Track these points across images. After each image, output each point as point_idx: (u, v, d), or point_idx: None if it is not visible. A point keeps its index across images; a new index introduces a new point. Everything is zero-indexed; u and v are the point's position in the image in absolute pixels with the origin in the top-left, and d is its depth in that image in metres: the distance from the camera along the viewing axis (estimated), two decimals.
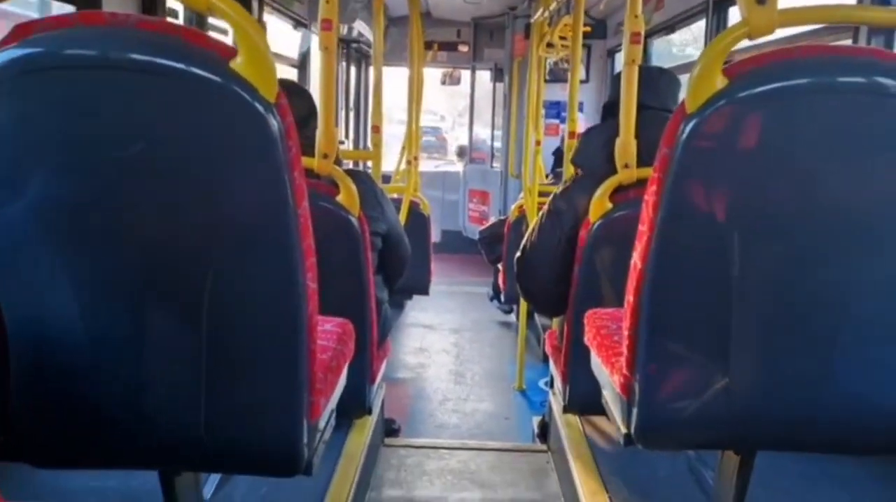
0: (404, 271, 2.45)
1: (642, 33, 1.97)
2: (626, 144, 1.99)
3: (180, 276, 1.15)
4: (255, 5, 3.63)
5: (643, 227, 1.29)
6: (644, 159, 1.97)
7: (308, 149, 1.90)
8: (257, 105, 1.03)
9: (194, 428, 1.22)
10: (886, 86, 1.12)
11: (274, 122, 1.05)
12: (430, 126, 21.40)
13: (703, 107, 1.15)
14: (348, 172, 2.07)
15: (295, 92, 2.10)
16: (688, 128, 1.16)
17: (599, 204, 2.01)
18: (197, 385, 1.21)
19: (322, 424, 1.36)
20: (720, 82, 1.14)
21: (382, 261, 2.27)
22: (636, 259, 1.32)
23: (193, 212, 1.11)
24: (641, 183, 1.95)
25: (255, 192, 1.10)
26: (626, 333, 1.37)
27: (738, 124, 1.16)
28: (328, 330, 1.57)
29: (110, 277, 1.16)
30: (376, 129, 2.80)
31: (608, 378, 1.53)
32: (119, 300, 1.18)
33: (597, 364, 1.65)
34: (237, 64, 1.03)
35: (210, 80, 1.02)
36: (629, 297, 1.34)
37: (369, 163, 3.09)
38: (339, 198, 1.93)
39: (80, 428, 1.25)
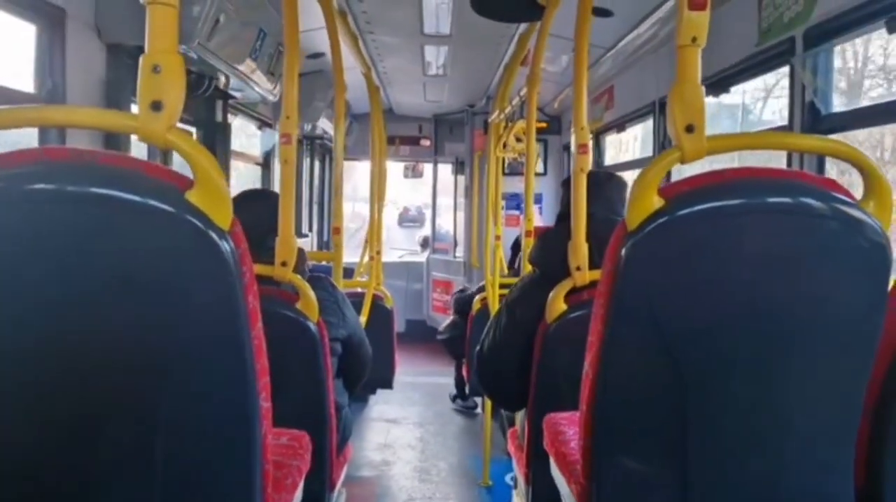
0: (365, 376, 2.44)
1: (589, 145, 2.07)
2: (578, 247, 2.05)
3: (132, 400, 1.15)
4: (219, 109, 3.73)
5: (592, 338, 1.33)
6: (596, 261, 2.04)
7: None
8: (211, 233, 1.06)
9: None
10: (811, 206, 1.20)
11: (227, 249, 1.08)
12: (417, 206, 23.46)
13: (641, 225, 1.21)
14: (311, 278, 2.09)
15: (270, 201, 2.12)
16: (628, 245, 1.22)
17: (554, 305, 2.05)
18: None
19: None
20: (657, 202, 1.21)
21: (343, 365, 2.27)
22: (587, 368, 1.35)
23: (146, 336, 1.12)
24: (594, 284, 2.01)
25: (209, 317, 1.11)
26: (581, 442, 1.39)
27: (675, 241, 1.22)
28: (283, 444, 1.56)
29: (57, 403, 1.15)
30: (336, 231, 2.85)
31: (566, 486, 1.54)
32: (66, 426, 1.16)
33: (556, 471, 1.65)
34: (192, 194, 1.06)
35: (164, 211, 1.05)
36: (582, 407, 1.36)
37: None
38: (299, 304, 1.94)
39: None
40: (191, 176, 1.11)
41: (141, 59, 1.07)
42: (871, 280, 1.22)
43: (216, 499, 1.21)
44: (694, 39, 1.20)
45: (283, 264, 1.92)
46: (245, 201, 2.19)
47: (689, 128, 1.21)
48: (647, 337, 1.27)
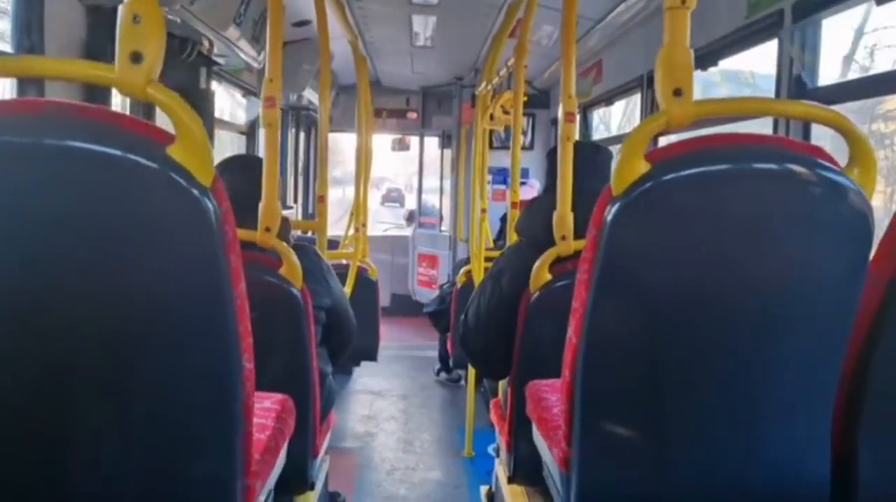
0: (350, 345, 2.44)
1: (576, 112, 2.06)
2: (563, 217, 2.05)
3: (110, 359, 1.13)
4: (202, 75, 3.67)
5: (576, 304, 1.33)
6: (582, 232, 2.03)
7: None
8: (193, 190, 1.04)
9: None
10: (796, 172, 1.20)
11: (210, 207, 1.06)
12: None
13: (627, 190, 1.20)
14: (295, 246, 2.07)
15: (257, 167, 2.04)
16: (613, 210, 1.22)
17: (539, 275, 2.05)
18: (127, 468, 1.18)
19: None
20: (643, 167, 1.20)
21: (327, 334, 2.26)
22: (571, 334, 1.35)
23: (127, 294, 1.10)
24: (579, 254, 2.01)
25: (191, 276, 1.10)
26: (563, 407, 1.39)
27: (660, 206, 1.22)
28: (267, 407, 1.55)
29: (35, 361, 1.13)
30: (321, 199, 2.82)
31: (548, 451, 1.55)
32: (45, 384, 1.15)
33: (538, 436, 1.66)
34: (173, 150, 1.04)
35: (146, 166, 1.03)
36: (565, 372, 1.37)
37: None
38: (282, 270, 1.93)
39: None
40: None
41: (120, 9, 1.05)
42: (853, 247, 1.22)
43: (197, 460, 1.20)
44: (683, 1, 1.18)
45: (267, 229, 1.90)
46: (231, 168, 2.15)
47: (677, 92, 1.19)
48: (631, 302, 1.27)
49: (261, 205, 1.90)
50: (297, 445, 1.77)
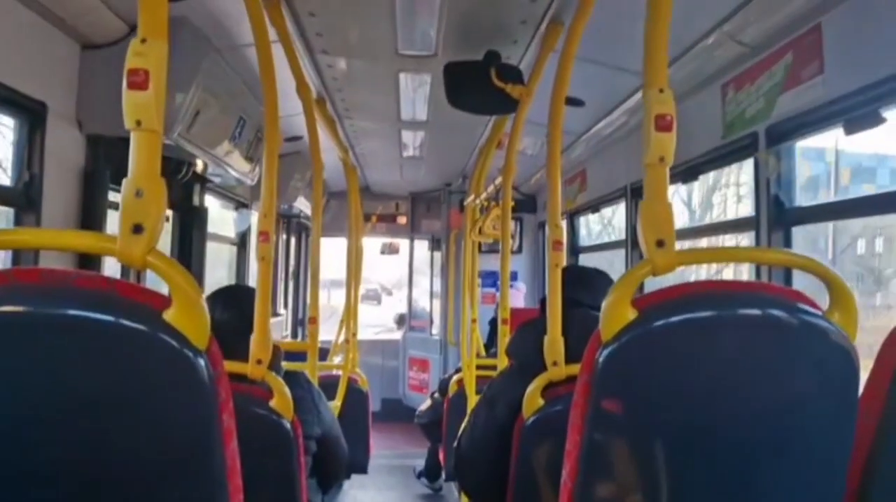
0: (341, 476, 2.39)
1: (563, 240, 2.10)
2: (554, 342, 2.05)
3: None
4: (196, 192, 3.74)
5: (570, 447, 1.32)
6: (573, 356, 2.03)
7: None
8: (187, 352, 1.05)
9: None
10: (779, 317, 1.23)
11: (204, 369, 1.07)
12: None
13: (616, 336, 1.22)
14: (286, 374, 2.06)
15: (249, 299, 2.03)
16: (603, 355, 1.23)
17: (531, 400, 2.03)
18: None
19: None
20: (631, 313, 1.23)
21: (317, 464, 2.22)
22: (565, 477, 1.34)
23: (121, 454, 1.09)
24: (571, 379, 2.01)
25: (184, 436, 1.09)
26: None
27: (649, 352, 1.24)
28: None
29: None
30: (313, 321, 2.83)
31: None
32: None
33: None
34: (170, 314, 1.06)
35: (140, 331, 1.04)
36: None
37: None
38: (273, 402, 1.91)
39: None
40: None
41: (123, 183, 1.08)
42: (840, 385, 1.24)
43: None
44: (661, 159, 1.24)
45: (259, 362, 1.89)
46: (223, 299, 2.17)
47: (660, 243, 1.24)
48: (625, 445, 1.27)
49: (252, 338, 1.91)
50: None
